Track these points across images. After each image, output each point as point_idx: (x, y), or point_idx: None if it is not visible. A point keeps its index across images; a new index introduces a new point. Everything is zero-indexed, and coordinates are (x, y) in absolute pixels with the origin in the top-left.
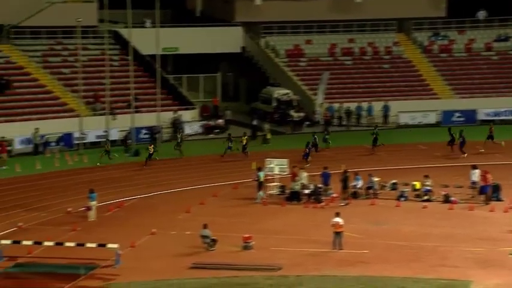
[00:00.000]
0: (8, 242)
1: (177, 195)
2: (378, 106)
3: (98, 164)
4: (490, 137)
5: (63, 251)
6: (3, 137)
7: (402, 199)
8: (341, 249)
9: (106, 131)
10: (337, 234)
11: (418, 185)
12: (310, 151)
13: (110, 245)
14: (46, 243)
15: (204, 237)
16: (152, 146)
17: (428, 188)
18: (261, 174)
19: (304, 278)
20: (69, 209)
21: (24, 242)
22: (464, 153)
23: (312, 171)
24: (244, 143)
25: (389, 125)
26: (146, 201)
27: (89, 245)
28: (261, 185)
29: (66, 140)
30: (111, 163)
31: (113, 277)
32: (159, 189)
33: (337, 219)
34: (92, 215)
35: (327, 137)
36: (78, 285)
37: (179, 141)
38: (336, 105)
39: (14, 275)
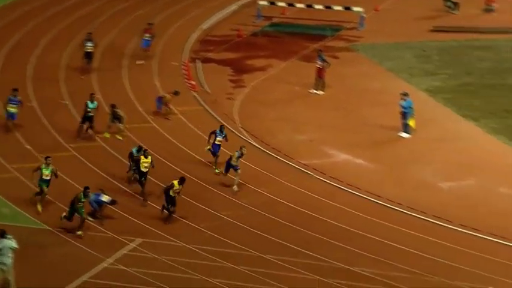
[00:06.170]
0: (265, 3)
1: None
2: None
3: None
4: None
5: (312, 13)
6: None
7: None
8: None
9: None
10: None
11: None
12: None
13: (355, 8)
14: (298, 5)
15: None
16: None
17: None
18: None
19: None
20: None
21: (279, 4)
22: None
23: None
24: None
25: None
26: None
27: (335, 7)
28: None
29: None
30: None
31: (356, 39)
32: None
33: None
34: None
35: None
36: (326, 45)
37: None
38: None
39: (269, 33)
